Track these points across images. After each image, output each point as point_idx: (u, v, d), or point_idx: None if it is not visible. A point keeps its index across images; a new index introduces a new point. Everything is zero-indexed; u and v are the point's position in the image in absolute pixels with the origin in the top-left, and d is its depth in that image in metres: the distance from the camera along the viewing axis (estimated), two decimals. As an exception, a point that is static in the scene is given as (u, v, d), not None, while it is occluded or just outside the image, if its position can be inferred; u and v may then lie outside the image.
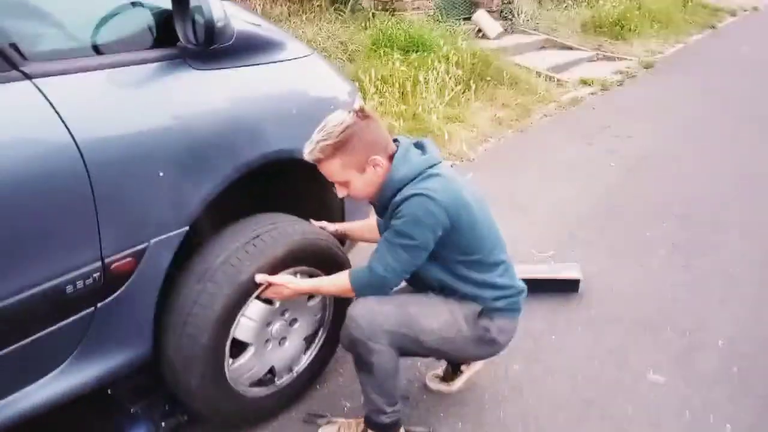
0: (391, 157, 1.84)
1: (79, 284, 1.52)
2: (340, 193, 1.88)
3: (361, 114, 1.79)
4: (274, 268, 1.89)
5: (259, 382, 2.09)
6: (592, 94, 7.06)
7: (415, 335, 1.86)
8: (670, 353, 2.53)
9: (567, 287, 2.95)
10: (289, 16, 6.82)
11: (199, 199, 1.76)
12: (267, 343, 2.05)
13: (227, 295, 1.81)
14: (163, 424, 2.07)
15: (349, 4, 7.30)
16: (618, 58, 8.86)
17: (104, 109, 1.56)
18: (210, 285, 1.81)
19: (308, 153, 1.79)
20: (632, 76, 7.93)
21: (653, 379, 2.38)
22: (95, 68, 1.57)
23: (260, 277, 1.85)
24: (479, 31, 8.62)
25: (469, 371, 2.31)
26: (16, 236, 1.39)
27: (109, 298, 1.63)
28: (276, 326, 2.05)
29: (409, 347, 1.89)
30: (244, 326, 1.92)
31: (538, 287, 2.93)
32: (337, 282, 1.93)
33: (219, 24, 1.63)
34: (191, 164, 1.71)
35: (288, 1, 7.07)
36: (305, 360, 2.23)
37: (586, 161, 4.85)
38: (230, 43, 1.79)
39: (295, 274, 1.98)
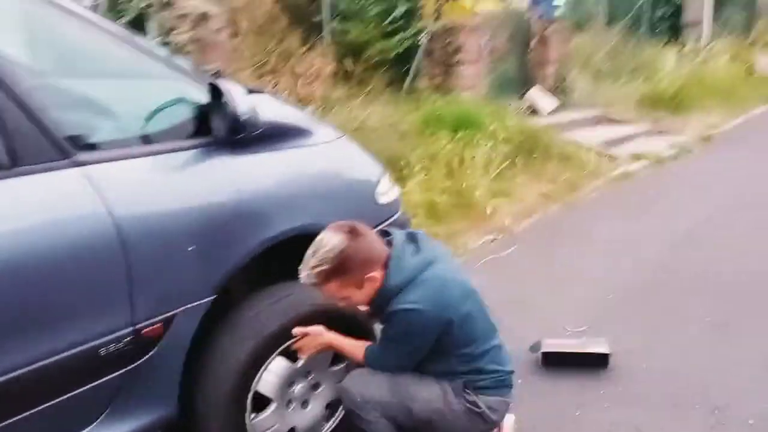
0: (385, 264, 1.93)
1: (112, 347, 1.72)
2: (341, 303, 2.00)
3: (353, 233, 1.88)
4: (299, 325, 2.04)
5: None
6: (644, 169, 7.05)
7: (406, 404, 1.96)
8: (696, 431, 2.49)
9: (596, 362, 2.96)
10: (347, 98, 7.24)
11: (224, 271, 1.95)
12: (290, 404, 2.18)
13: (252, 347, 1.98)
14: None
15: (405, 85, 7.67)
16: (674, 132, 8.81)
17: (142, 191, 1.80)
18: (237, 337, 1.99)
19: (304, 278, 1.89)
20: (688, 150, 7.87)
21: (677, 458, 2.35)
22: (138, 155, 1.83)
23: (297, 330, 2.00)
24: (533, 108, 8.82)
25: None
26: (60, 302, 1.62)
27: (139, 361, 1.82)
28: (299, 387, 2.18)
29: (401, 418, 1.98)
30: (267, 381, 2.07)
31: (567, 362, 2.96)
32: (356, 349, 2.07)
33: (243, 117, 1.86)
34: (219, 240, 1.92)
35: (346, 84, 7.50)
36: (327, 427, 2.33)
37: (632, 236, 4.84)
38: (259, 131, 2.02)
39: None
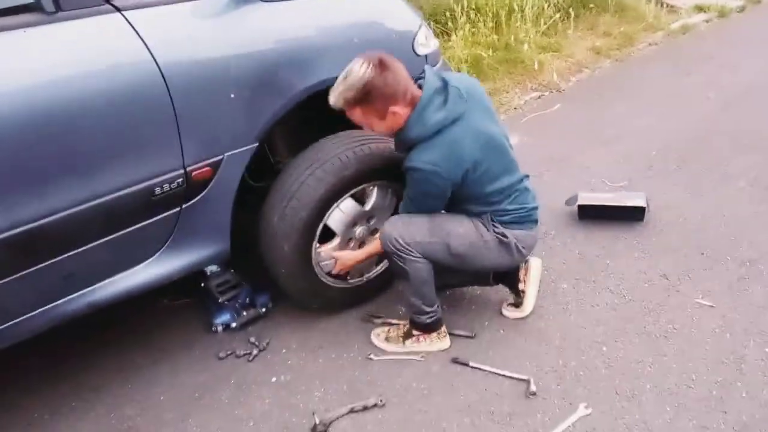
0: (411, 103, 1.96)
1: (166, 187, 1.86)
2: (365, 129, 2.08)
3: (381, 67, 1.89)
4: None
5: (336, 276, 2.39)
6: (706, 21, 6.63)
7: (444, 241, 2.09)
8: (724, 281, 2.57)
9: (632, 216, 3.00)
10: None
11: (266, 119, 2.03)
12: (350, 242, 2.36)
13: (331, 183, 2.14)
14: (244, 313, 2.45)
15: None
16: (745, -20, 8.15)
17: (184, 36, 1.84)
18: (318, 172, 2.14)
19: (333, 101, 1.96)
20: (757, 1, 7.32)
21: (701, 303, 2.45)
22: (176, 1, 1.85)
23: (329, 260, 2.26)
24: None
25: (528, 289, 2.42)
26: (112, 144, 1.73)
27: (191, 201, 1.96)
28: (360, 229, 2.36)
29: (440, 255, 2.11)
30: (336, 217, 2.25)
31: (603, 214, 3.02)
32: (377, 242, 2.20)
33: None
34: (259, 87, 1.98)
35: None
36: (375, 271, 2.53)
37: (683, 93, 4.68)
38: (293, -23, 2.00)
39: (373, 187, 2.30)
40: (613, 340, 2.30)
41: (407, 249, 2.07)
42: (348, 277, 2.45)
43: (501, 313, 2.46)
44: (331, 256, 2.30)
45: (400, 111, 1.95)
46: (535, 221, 2.22)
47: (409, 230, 2.08)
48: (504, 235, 2.12)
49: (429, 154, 1.95)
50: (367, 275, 2.50)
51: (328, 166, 2.15)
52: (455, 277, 2.41)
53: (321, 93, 2.07)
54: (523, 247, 2.19)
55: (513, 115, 4.50)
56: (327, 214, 2.21)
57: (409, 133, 1.97)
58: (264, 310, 2.49)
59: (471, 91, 2.05)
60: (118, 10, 1.72)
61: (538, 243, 2.49)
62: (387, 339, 2.33)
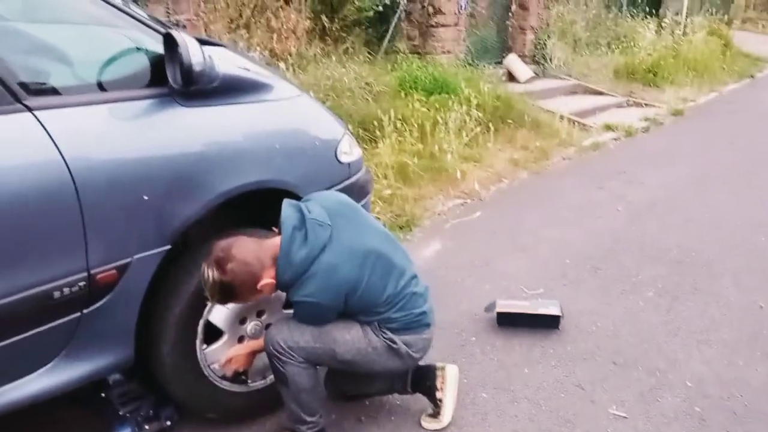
0: (274, 259, 1.97)
1: (66, 291, 1.75)
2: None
3: (220, 266, 1.89)
4: None
5: (233, 380, 2.27)
6: (615, 139, 7.14)
7: (330, 347, 2.07)
8: (636, 390, 2.62)
9: (549, 323, 3.06)
10: (322, 56, 7.16)
11: (180, 222, 1.98)
12: (241, 340, 2.26)
13: None
14: (146, 427, 2.28)
15: (383, 46, 7.61)
16: (648, 104, 8.91)
17: (95, 138, 1.81)
18: (189, 271, 2.06)
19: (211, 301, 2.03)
20: (659, 123, 7.98)
21: (615, 414, 2.47)
22: (91, 103, 1.83)
23: (222, 362, 2.17)
24: (510, 74, 8.84)
25: (445, 399, 2.37)
26: (11, 244, 1.64)
27: (94, 306, 1.85)
28: (251, 325, 2.27)
29: (326, 361, 2.10)
30: (218, 312, 2.15)
31: (520, 322, 3.06)
32: None
33: (197, 68, 1.86)
34: (173, 190, 1.95)
35: (322, 42, 7.42)
36: None
37: (594, 205, 4.95)
38: (215, 84, 2.03)
39: None
40: (531, 453, 2.27)
41: (289, 353, 2.05)
42: (247, 379, 2.32)
43: (420, 425, 2.39)
44: (225, 362, 2.17)
45: (269, 277, 1.97)
46: (427, 324, 2.19)
47: (293, 335, 2.06)
48: (393, 341, 2.11)
49: (306, 288, 1.97)
50: (270, 376, 2.35)
51: (199, 261, 2.04)
52: (372, 386, 2.35)
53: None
54: (415, 351, 2.17)
55: (437, 220, 4.60)
56: (206, 310, 2.12)
57: (284, 279, 1.98)
58: (169, 423, 2.32)
59: (337, 210, 2.08)
60: (29, 109, 1.68)
61: (458, 349, 2.49)
62: None
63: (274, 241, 2.00)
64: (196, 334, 2.13)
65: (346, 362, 2.12)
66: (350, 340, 2.08)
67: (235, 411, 2.34)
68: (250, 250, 1.95)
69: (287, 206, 2.03)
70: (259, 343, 2.18)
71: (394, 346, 2.11)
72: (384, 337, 2.10)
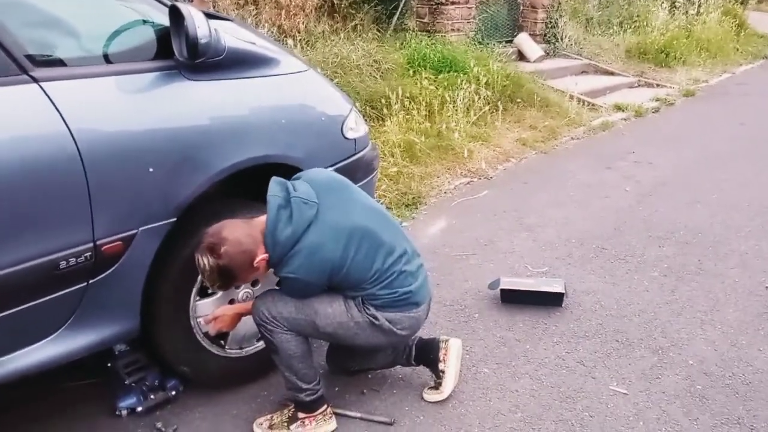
0: (264, 235, 1.99)
1: (72, 261, 1.78)
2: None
3: (214, 250, 1.91)
4: None
5: (212, 340, 2.30)
6: (624, 120, 7.08)
7: (311, 319, 2.10)
8: (638, 368, 2.63)
9: (552, 301, 3.08)
10: (331, 33, 7.12)
11: (185, 195, 2.00)
12: (231, 303, 2.29)
13: None
14: (152, 396, 2.32)
15: (392, 23, 7.55)
16: (659, 85, 8.82)
17: (101, 109, 1.82)
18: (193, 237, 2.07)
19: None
20: (670, 103, 7.90)
21: (615, 391, 2.48)
22: (97, 75, 1.84)
23: (208, 319, 2.19)
24: (521, 53, 8.76)
25: (448, 369, 2.39)
26: (17, 216, 1.66)
27: (99, 276, 1.88)
28: (243, 292, 2.32)
29: (309, 331, 2.13)
30: None
31: (524, 299, 3.07)
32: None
33: (203, 41, 1.87)
34: (179, 163, 1.96)
35: (330, 19, 7.37)
36: (255, 346, 2.42)
37: (602, 185, 4.93)
38: (221, 57, 2.03)
39: None
40: (531, 427, 2.29)
41: (274, 322, 2.08)
42: (225, 345, 2.35)
43: (422, 398, 2.42)
44: (209, 319, 2.19)
45: (262, 255, 1.99)
46: (416, 303, 2.18)
47: (277, 305, 2.10)
48: (375, 317, 2.12)
49: (291, 265, 1.99)
50: (246, 348, 2.41)
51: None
52: (374, 360, 2.38)
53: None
54: (400, 329, 2.17)
55: (443, 198, 4.60)
56: None
57: (273, 257, 2.00)
58: (174, 393, 2.37)
59: (326, 187, 2.09)
60: (36, 80, 1.69)
61: (461, 325, 2.49)
62: (271, 426, 2.24)
63: (261, 219, 2.01)
64: (195, 281, 2.16)
65: (328, 334, 2.15)
66: (332, 313, 2.11)
67: (207, 372, 2.35)
68: (240, 231, 1.97)
69: (273, 184, 2.04)
70: (246, 306, 2.21)
71: (377, 322, 2.13)
72: (367, 313, 2.12)
